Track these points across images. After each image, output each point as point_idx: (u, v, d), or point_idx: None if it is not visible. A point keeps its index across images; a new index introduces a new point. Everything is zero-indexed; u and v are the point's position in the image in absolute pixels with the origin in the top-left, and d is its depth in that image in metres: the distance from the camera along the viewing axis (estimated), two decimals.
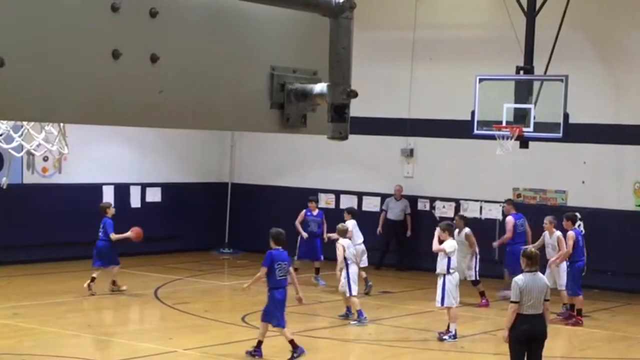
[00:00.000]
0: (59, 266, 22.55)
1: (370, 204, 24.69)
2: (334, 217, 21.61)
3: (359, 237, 19.30)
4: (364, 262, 19.57)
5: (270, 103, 4.21)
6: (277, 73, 4.21)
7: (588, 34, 22.14)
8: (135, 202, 24.86)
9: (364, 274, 19.58)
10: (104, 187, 24.34)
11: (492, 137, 19.81)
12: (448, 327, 16.28)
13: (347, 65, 4.12)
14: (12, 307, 17.83)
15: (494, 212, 22.62)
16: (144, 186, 25.34)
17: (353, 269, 17.46)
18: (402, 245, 24.19)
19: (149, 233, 19.97)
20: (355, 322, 17.34)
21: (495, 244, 20.19)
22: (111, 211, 19.51)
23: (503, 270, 20.28)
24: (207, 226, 26.48)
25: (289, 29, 4.32)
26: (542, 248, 17.56)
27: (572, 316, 17.99)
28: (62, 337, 15.65)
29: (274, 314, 14.23)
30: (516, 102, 19.94)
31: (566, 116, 19.15)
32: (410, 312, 18.88)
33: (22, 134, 10.29)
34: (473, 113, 20.00)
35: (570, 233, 18.04)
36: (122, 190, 24.59)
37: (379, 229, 23.78)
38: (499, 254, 21.49)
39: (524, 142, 20.11)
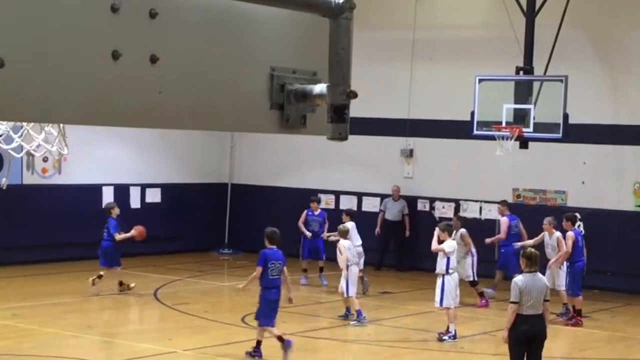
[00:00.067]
0: (58, 267, 22.54)
1: (370, 205, 24.69)
2: (334, 217, 21.62)
3: (357, 240, 19.29)
4: (360, 265, 19.57)
5: (270, 104, 4.21)
6: (276, 74, 4.22)
7: (588, 34, 22.15)
8: (135, 202, 24.85)
9: (360, 274, 19.58)
10: (104, 188, 24.34)
11: (492, 138, 19.81)
12: (448, 327, 16.28)
13: (346, 65, 4.12)
14: (11, 308, 17.82)
15: (493, 213, 22.60)
16: (143, 187, 25.33)
17: (353, 270, 17.48)
18: (401, 245, 24.18)
19: (148, 234, 19.96)
20: (354, 322, 17.35)
21: (487, 240, 20.17)
22: (115, 211, 19.54)
23: (495, 270, 20.32)
24: (207, 227, 26.48)
25: (288, 29, 4.32)
26: (541, 248, 17.54)
27: (573, 316, 18.00)
28: (62, 338, 15.64)
29: (267, 315, 14.23)
30: (516, 102, 19.93)
31: (566, 116, 19.15)
32: (410, 312, 18.88)
33: (22, 135, 10.28)
34: (473, 113, 20.00)
35: (570, 233, 18.05)
36: (121, 191, 24.58)
37: (377, 229, 23.78)
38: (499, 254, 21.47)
39: (523, 143, 20.11)
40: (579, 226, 20.08)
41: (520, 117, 19.72)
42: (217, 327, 16.83)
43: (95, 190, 24.07)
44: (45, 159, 22.62)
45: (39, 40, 3.45)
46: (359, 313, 17.40)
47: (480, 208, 23.39)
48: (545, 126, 19.55)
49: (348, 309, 17.62)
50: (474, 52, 23.04)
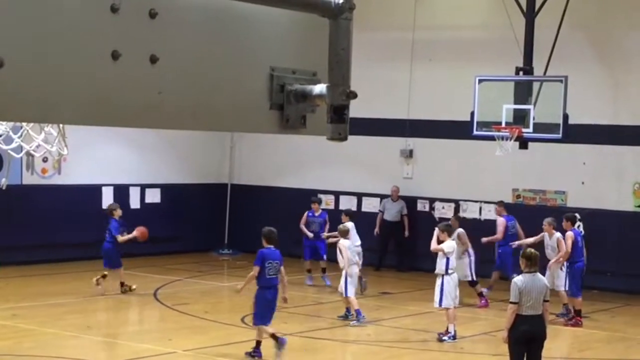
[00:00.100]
0: (58, 267, 22.54)
1: (370, 205, 24.69)
2: (333, 217, 21.61)
3: (356, 240, 19.31)
4: (359, 265, 19.59)
5: (270, 104, 4.21)
6: (276, 74, 4.21)
7: (587, 34, 22.15)
8: (134, 203, 24.85)
9: (359, 274, 19.58)
10: (104, 188, 24.34)
11: (492, 138, 19.81)
12: (447, 327, 16.28)
13: (346, 66, 4.12)
14: (11, 308, 17.82)
15: (493, 213, 22.58)
16: (143, 187, 25.33)
17: (353, 270, 17.49)
18: (400, 246, 24.18)
19: (148, 234, 19.95)
20: (354, 322, 17.36)
21: (484, 240, 20.16)
22: (118, 213, 19.59)
23: (492, 271, 20.32)
24: (207, 227, 26.48)
25: (288, 30, 4.32)
26: (541, 248, 17.53)
27: (573, 317, 18.00)
28: (61, 338, 15.64)
29: (262, 314, 14.23)
30: (515, 102, 19.93)
31: (565, 117, 19.15)
32: (410, 313, 18.88)
33: (21, 135, 10.28)
34: (472, 114, 20.00)
35: (569, 233, 18.06)
36: (121, 191, 24.58)
37: (376, 230, 23.77)
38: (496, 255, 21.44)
39: (523, 143, 20.10)
40: (578, 226, 20.08)
41: (520, 118, 19.72)
42: (217, 327, 16.83)
43: (94, 191, 24.07)
44: (45, 159, 22.62)
45: (39, 40, 3.45)
46: (357, 312, 17.41)
47: (480, 208, 23.38)
48: (545, 126, 19.55)
49: (348, 310, 17.62)
50: (474, 52, 23.04)
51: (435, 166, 24.14)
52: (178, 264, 24.08)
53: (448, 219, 20.38)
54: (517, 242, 19.22)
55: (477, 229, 20.90)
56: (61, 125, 9.76)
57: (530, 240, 18.53)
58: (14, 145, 10.22)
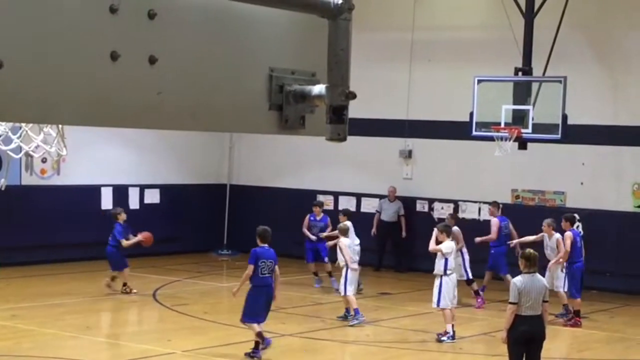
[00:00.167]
0: (57, 268, 22.54)
1: (369, 206, 24.69)
2: (332, 218, 21.59)
3: (354, 239, 19.31)
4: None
5: (269, 104, 4.21)
6: (275, 74, 4.21)
7: (586, 35, 22.15)
8: (133, 203, 24.84)
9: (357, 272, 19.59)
10: (103, 189, 24.34)
11: (491, 139, 19.81)
12: (446, 328, 16.28)
13: (345, 66, 4.12)
14: (10, 309, 17.82)
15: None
16: (142, 187, 25.33)
17: (352, 269, 17.49)
18: (397, 246, 24.18)
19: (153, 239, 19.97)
20: (354, 321, 17.37)
21: (477, 239, 20.16)
22: (122, 217, 19.65)
23: (485, 271, 20.32)
24: (206, 227, 26.48)
25: (287, 30, 4.32)
26: (540, 249, 17.54)
27: (572, 317, 18.00)
28: (61, 339, 15.63)
29: (251, 312, 14.23)
30: (515, 103, 19.93)
31: (565, 117, 19.15)
32: (409, 313, 18.88)
33: (20, 136, 10.27)
34: (471, 114, 20.00)
35: (568, 233, 18.07)
36: (120, 192, 24.58)
37: (373, 230, 23.75)
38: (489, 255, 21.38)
39: (522, 144, 20.11)
40: (577, 227, 20.08)
41: (519, 118, 19.72)
42: (216, 328, 16.82)
43: (94, 191, 24.07)
44: (44, 160, 22.62)
45: (38, 40, 3.45)
46: (356, 312, 17.43)
47: (479, 209, 23.38)
48: (544, 127, 19.56)
49: (347, 310, 17.63)
50: (473, 53, 23.04)
51: (435, 167, 24.14)
52: (177, 264, 24.08)
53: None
54: (516, 241, 19.20)
55: (476, 229, 20.89)
56: (60, 126, 9.75)
57: (531, 238, 18.54)
58: (13, 145, 10.22)
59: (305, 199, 24.52)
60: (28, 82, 3.44)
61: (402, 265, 24.12)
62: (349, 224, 19.08)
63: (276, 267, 14.44)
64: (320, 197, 25.06)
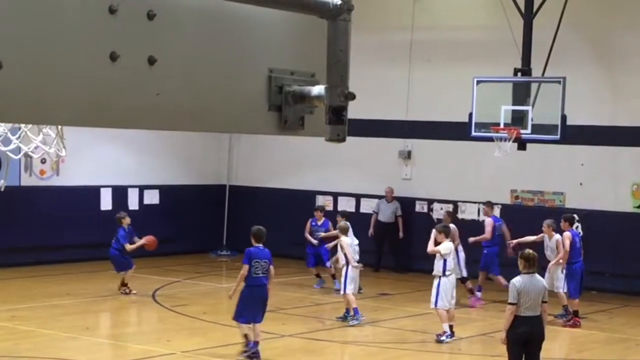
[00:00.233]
0: (56, 268, 22.53)
1: (368, 206, 24.68)
2: (332, 219, 21.59)
3: (353, 239, 19.32)
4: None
5: (268, 105, 4.22)
6: (274, 75, 4.22)
7: (586, 35, 22.15)
8: (133, 204, 24.84)
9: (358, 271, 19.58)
10: (102, 190, 24.34)
11: (490, 139, 19.81)
12: (443, 328, 16.29)
13: (344, 67, 4.12)
14: (9, 310, 17.81)
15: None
16: (141, 188, 25.32)
17: (352, 268, 17.50)
18: (395, 247, 24.17)
19: (146, 234, 19.95)
20: (353, 321, 17.38)
21: (471, 239, 20.15)
22: (126, 221, 19.68)
23: (478, 271, 20.34)
24: (205, 228, 26.47)
25: (286, 31, 4.32)
26: (540, 250, 17.53)
27: (571, 318, 18.01)
28: (60, 340, 15.63)
29: (242, 312, 14.23)
30: (514, 104, 19.93)
31: (564, 118, 19.15)
32: (408, 314, 18.87)
33: (19, 136, 10.26)
34: (471, 115, 20.00)
35: (567, 233, 18.07)
36: (120, 193, 24.58)
37: (370, 231, 23.72)
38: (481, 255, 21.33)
39: (521, 144, 20.11)
40: (577, 227, 20.08)
41: (518, 119, 19.72)
42: (216, 328, 16.82)
43: (93, 192, 24.07)
44: (43, 161, 22.61)
45: (37, 41, 3.45)
46: (355, 311, 17.45)
47: (479, 209, 23.36)
48: (543, 127, 19.56)
49: (347, 311, 17.63)
50: (472, 53, 23.04)
51: (434, 167, 24.14)
52: (176, 265, 24.07)
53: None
54: (516, 241, 19.18)
55: (475, 229, 20.87)
56: (59, 127, 9.75)
57: (531, 239, 18.54)
58: (12, 146, 10.21)
59: (304, 200, 24.55)
60: (27, 82, 3.44)
61: (401, 265, 24.11)
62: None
63: (271, 267, 14.42)
64: (320, 198, 25.07)
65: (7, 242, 22.16)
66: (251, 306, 14.24)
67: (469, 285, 19.62)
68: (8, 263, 21.81)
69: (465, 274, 19.30)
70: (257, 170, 26.77)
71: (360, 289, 18.80)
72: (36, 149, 10.46)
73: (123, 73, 3.67)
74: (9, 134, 10.12)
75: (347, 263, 17.49)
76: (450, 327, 16.33)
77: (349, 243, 17.68)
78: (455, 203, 23.64)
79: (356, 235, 19.32)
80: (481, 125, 19.93)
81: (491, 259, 20.10)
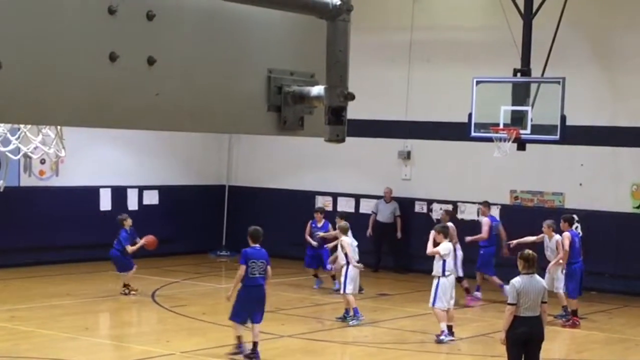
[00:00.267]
0: (56, 269, 22.53)
1: (368, 207, 24.68)
2: (332, 220, 21.58)
3: (352, 240, 19.29)
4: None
5: (268, 106, 4.21)
6: (274, 76, 4.21)
7: (585, 36, 22.16)
8: (132, 204, 24.83)
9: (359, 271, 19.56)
10: (101, 190, 24.33)
11: (490, 140, 19.81)
12: (441, 328, 16.29)
13: (344, 67, 4.12)
14: (9, 310, 17.81)
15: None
16: (141, 189, 25.32)
17: (352, 267, 17.50)
18: (394, 247, 24.16)
19: (146, 235, 19.96)
20: (353, 320, 17.38)
21: (468, 238, 20.15)
22: (128, 223, 19.72)
23: (475, 271, 20.36)
24: (205, 229, 26.47)
25: (286, 31, 4.32)
26: (540, 250, 17.53)
27: (570, 318, 18.01)
28: (59, 340, 15.63)
29: (238, 312, 14.24)
30: (513, 104, 19.93)
31: (563, 118, 19.15)
32: (408, 314, 18.87)
33: (19, 137, 10.26)
34: (470, 115, 20.00)
35: (566, 234, 18.08)
36: (119, 193, 24.58)
37: (369, 231, 23.71)
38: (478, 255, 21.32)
39: (521, 145, 20.11)
40: (576, 228, 20.08)
41: (518, 119, 19.72)
42: (215, 329, 16.81)
43: (92, 193, 24.06)
44: (42, 161, 22.60)
45: (36, 42, 3.45)
46: (355, 311, 17.45)
47: (478, 210, 23.35)
48: (543, 128, 19.55)
49: (347, 311, 17.63)
50: (472, 53, 23.05)
51: (433, 168, 24.14)
52: (176, 265, 24.07)
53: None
54: (516, 241, 19.17)
55: (475, 230, 20.87)
56: (59, 127, 9.75)
57: (531, 239, 18.54)
58: (11, 147, 10.20)
59: (304, 200, 24.54)
60: (27, 83, 3.44)
61: (400, 266, 24.11)
62: None
63: (268, 267, 14.41)
64: (319, 198, 25.07)
65: (7, 243, 22.16)
66: (247, 306, 14.25)
67: (465, 285, 19.64)
68: (7, 263, 21.81)
69: (461, 273, 19.29)
70: (256, 170, 26.77)
71: (361, 289, 18.79)
72: (35, 149, 10.45)
73: (122, 73, 3.67)
74: (8, 135, 10.11)
75: (348, 263, 17.49)
76: (450, 327, 16.33)
77: (350, 242, 17.68)
78: (454, 203, 23.64)
79: (355, 235, 19.30)
80: (481, 126, 19.93)
81: (487, 259, 20.13)
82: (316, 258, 21.24)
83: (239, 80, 4.13)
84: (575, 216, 19.99)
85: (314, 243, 21.20)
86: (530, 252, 12.45)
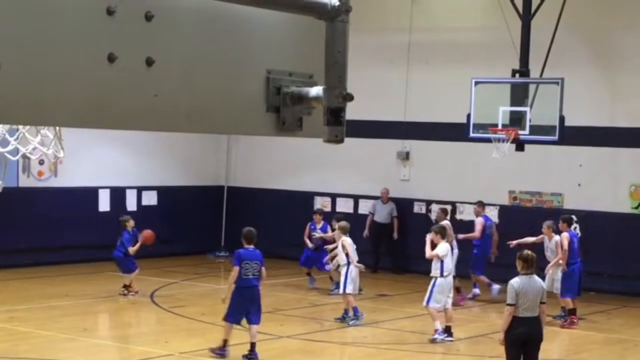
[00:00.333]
0: (55, 270, 22.52)
1: (366, 207, 24.68)
2: (330, 220, 21.58)
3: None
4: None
5: (266, 106, 4.21)
6: (272, 76, 4.21)
7: (584, 36, 22.17)
8: (131, 205, 24.83)
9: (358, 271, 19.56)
10: (100, 191, 24.33)
11: (488, 140, 19.81)
12: (435, 327, 16.30)
13: (342, 68, 4.12)
14: (8, 311, 17.80)
15: (491, 215, 22.60)
16: (140, 189, 25.32)
17: (352, 267, 17.51)
18: (392, 248, 24.15)
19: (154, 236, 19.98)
20: (353, 320, 17.39)
21: (460, 236, 20.14)
22: (130, 224, 19.73)
23: (469, 271, 20.37)
24: (203, 229, 26.47)
25: (284, 32, 4.32)
26: (540, 251, 17.53)
27: (569, 318, 18.02)
28: (58, 341, 15.62)
29: (233, 313, 14.24)
30: (512, 104, 19.93)
31: (562, 119, 19.16)
32: (407, 315, 18.87)
33: (17, 138, 10.26)
34: (469, 116, 20.00)
35: (565, 234, 18.10)
36: (118, 194, 24.58)
37: (366, 231, 23.69)
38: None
39: (519, 145, 20.11)
40: (575, 228, 20.09)
41: (517, 120, 19.73)
42: (214, 329, 16.79)
43: (91, 193, 24.06)
44: (41, 162, 22.59)
45: (35, 42, 3.45)
46: (355, 310, 17.45)
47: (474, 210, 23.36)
48: (541, 128, 19.56)
49: (346, 311, 17.63)
50: (470, 54, 23.06)
51: (432, 168, 24.15)
52: (175, 266, 24.07)
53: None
54: (515, 242, 19.16)
55: (472, 230, 20.87)
56: (57, 128, 9.75)
57: (531, 239, 18.55)
58: (10, 147, 10.20)
59: (302, 201, 24.54)
60: (25, 83, 3.44)
61: (398, 266, 24.11)
62: None
63: (263, 268, 14.42)
64: (318, 199, 25.07)
65: (5, 244, 22.15)
66: (241, 307, 14.26)
67: (456, 284, 19.61)
68: (6, 264, 21.80)
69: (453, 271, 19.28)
70: (255, 171, 26.77)
71: (360, 289, 18.80)
72: (34, 150, 10.46)
73: (121, 74, 3.66)
74: (7, 135, 10.11)
75: (349, 263, 17.47)
76: (449, 327, 16.33)
77: (350, 243, 17.68)
78: (453, 204, 23.65)
79: (354, 236, 19.30)
80: (479, 126, 19.93)
81: (479, 259, 20.22)
82: (312, 258, 21.24)
83: (238, 81, 4.13)
84: (573, 217, 20.00)
85: (311, 245, 21.20)
86: (529, 252, 12.45)
